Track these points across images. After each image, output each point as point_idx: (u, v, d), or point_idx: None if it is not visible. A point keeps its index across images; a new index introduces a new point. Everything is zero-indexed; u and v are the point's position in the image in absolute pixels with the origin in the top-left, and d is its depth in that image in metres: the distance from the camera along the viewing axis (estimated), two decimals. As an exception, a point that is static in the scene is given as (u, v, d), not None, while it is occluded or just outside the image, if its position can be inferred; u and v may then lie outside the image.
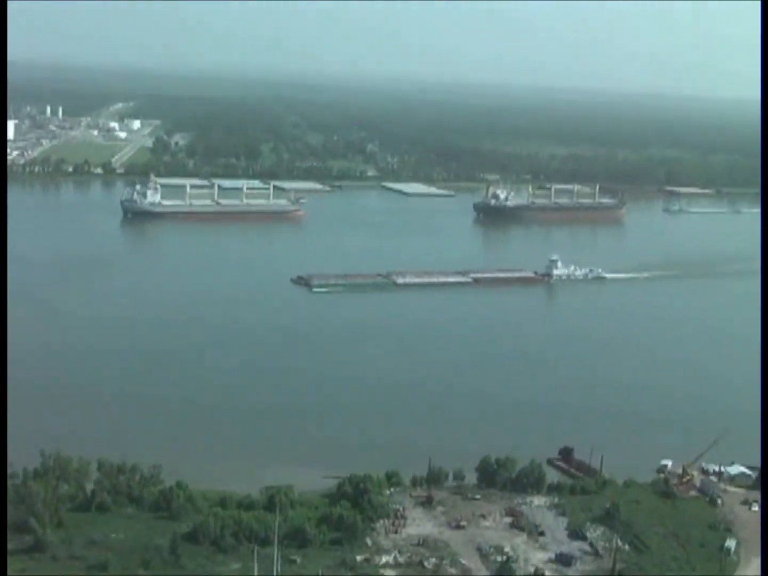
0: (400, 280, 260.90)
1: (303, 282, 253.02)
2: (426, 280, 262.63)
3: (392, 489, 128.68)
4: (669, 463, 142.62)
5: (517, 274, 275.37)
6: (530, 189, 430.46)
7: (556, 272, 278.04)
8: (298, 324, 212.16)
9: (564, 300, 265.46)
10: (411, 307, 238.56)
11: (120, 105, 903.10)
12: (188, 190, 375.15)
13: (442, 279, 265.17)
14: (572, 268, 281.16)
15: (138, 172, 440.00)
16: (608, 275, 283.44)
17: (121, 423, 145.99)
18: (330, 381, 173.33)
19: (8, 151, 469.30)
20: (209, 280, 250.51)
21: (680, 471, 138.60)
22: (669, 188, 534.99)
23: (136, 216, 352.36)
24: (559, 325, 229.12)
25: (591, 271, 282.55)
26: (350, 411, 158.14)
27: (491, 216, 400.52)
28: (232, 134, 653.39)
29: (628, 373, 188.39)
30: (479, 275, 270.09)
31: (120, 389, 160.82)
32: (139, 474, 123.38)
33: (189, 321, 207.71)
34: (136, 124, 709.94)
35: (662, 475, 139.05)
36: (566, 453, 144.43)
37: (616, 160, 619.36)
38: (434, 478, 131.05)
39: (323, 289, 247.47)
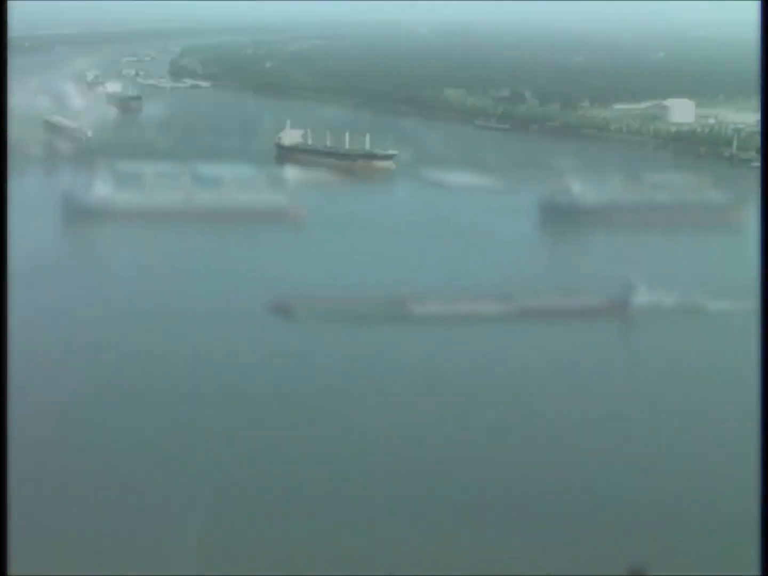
0: (417, 309, 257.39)
1: (282, 309, 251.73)
2: (453, 308, 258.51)
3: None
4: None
5: (579, 303, 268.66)
6: (618, 180, 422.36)
7: (635, 299, 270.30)
8: (262, 369, 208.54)
9: (642, 342, 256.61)
10: (426, 351, 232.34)
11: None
12: (149, 179, 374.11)
13: (475, 307, 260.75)
14: (659, 293, 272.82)
15: (96, 152, 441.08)
16: (711, 304, 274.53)
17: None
18: (288, 469, 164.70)
19: None
20: (154, 307, 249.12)
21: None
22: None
23: (79, 215, 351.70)
24: (624, 385, 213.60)
25: (686, 297, 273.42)
26: (318, 520, 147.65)
27: (560, 218, 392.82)
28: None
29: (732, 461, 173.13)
30: (527, 303, 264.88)
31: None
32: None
33: (113, 359, 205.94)
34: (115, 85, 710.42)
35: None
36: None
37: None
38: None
39: (308, 320, 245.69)
